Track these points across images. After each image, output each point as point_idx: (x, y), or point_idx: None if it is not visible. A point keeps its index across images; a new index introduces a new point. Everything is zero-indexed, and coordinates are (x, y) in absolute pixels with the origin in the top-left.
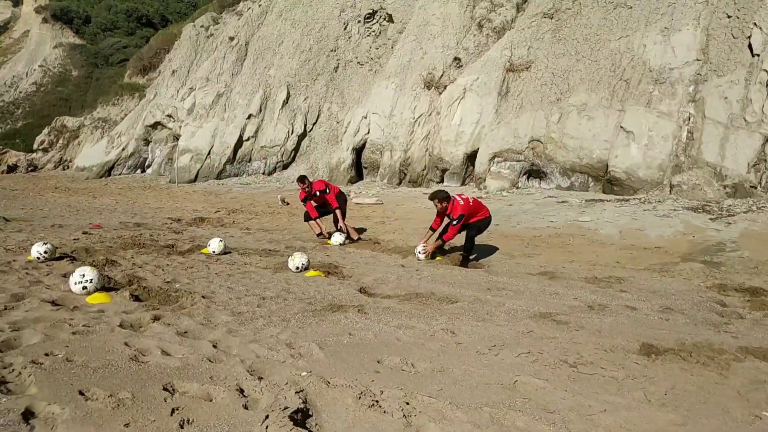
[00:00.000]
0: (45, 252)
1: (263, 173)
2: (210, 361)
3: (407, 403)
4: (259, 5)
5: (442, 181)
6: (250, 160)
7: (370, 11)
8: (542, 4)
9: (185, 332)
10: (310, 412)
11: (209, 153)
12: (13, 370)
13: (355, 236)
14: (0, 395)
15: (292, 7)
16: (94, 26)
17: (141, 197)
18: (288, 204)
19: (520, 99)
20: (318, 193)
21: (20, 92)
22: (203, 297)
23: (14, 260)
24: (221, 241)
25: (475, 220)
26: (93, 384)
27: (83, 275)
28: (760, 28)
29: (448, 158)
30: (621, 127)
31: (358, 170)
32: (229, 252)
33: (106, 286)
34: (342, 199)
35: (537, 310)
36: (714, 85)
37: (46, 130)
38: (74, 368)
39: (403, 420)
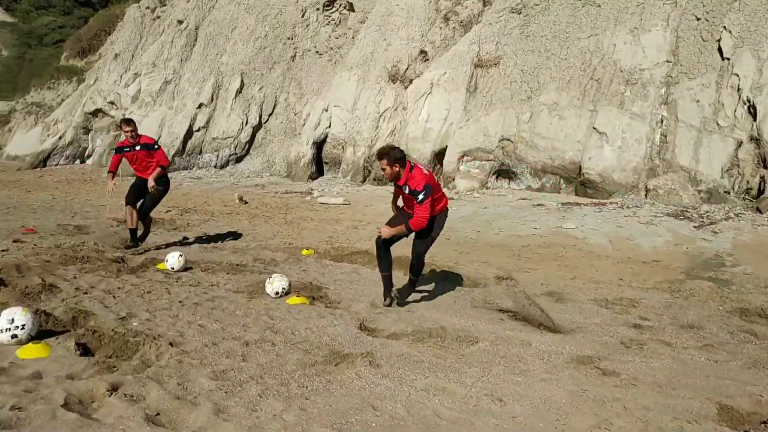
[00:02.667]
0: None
1: (215, 166)
2: None
3: None
4: None
5: None
6: (201, 152)
7: None
8: None
9: (157, 414)
10: None
11: None
12: None
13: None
14: None
15: None
16: (26, 3)
17: (81, 192)
18: (246, 203)
19: (490, 96)
20: (138, 148)
21: None
22: (171, 344)
23: None
24: (181, 256)
25: (439, 210)
26: None
27: (12, 320)
28: (730, 32)
29: (416, 156)
30: (594, 128)
31: (318, 165)
32: (190, 267)
33: (42, 327)
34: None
35: (572, 351)
36: (685, 87)
37: None
38: None
39: None
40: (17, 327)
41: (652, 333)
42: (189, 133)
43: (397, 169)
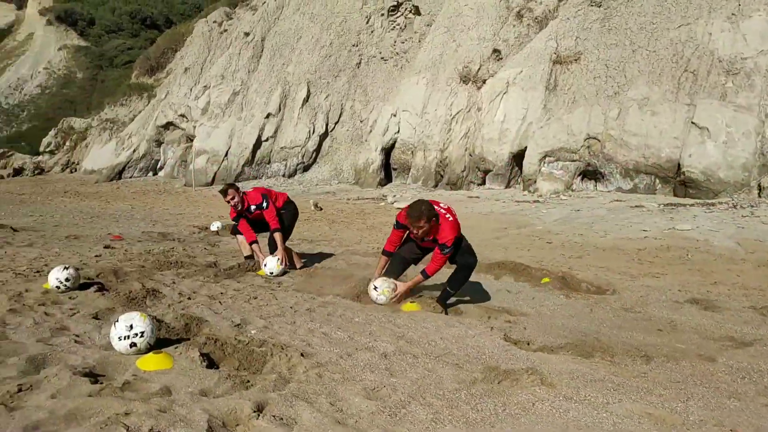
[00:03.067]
0: (67, 279)
1: (283, 175)
2: None
3: None
4: None
5: (483, 183)
6: (270, 161)
7: (395, 3)
8: None
9: None
10: None
11: (226, 154)
12: None
13: (298, 264)
14: None
15: (310, 0)
16: (98, 28)
17: (158, 202)
18: (321, 209)
19: (572, 93)
20: (253, 209)
21: (25, 95)
22: (302, 355)
23: (27, 290)
24: (279, 260)
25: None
26: None
27: (131, 326)
28: None
29: (492, 158)
30: (692, 122)
31: (386, 172)
32: (288, 271)
33: (157, 335)
34: (289, 215)
35: None
36: None
37: (52, 132)
38: None
39: None
40: (136, 335)
41: None
42: (258, 143)
43: (434, 222)
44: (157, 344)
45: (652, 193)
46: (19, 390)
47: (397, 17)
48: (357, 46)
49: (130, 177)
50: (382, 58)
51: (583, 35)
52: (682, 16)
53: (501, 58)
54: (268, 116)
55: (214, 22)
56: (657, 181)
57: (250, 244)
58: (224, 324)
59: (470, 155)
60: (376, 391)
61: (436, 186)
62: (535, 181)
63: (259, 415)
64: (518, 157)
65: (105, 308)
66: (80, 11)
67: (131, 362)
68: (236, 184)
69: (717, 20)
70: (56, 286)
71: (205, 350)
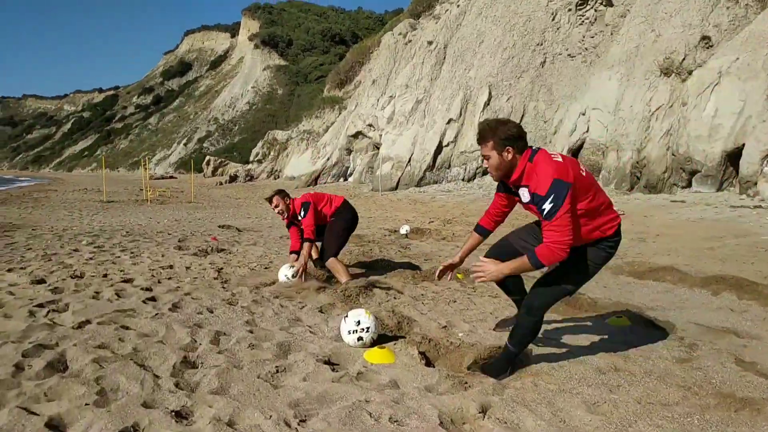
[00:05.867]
0: (293, 276)
1: (463, 179)
2: None
3: None
4: (458, 6)
5: (689, 185)
6: (450, 166)
7: None
8: None
9: None
10: None
11: (409, 160)
12: None
13: (342, 278)
14: None
15: (492, 3)
16: (295, 48)
17: None
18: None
19: None
20: (300, 217)
21: (237, 111)
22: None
23: (262, 283)
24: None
25: (591, 235)
26: None
27: (358, 322)
28: None
29: (700, 157)
30: None
31: None
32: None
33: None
34: (341, 222)
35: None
36: None
37: (260, 143)
38: None
39: None
40: (363, 329)
41: None
42: (439, 149)
43: (509, 155)
44: (378, 339)
45: None
46: (276, 371)
47: (586, 11)
48: (541, 44)
49: (324, 182)
50: (568, 55)
51: None
52: None
53: (711, 46)
54: (449, 122)
55: (400, 34)
56: None
57: (293, 252)
58: (432, 325)
59: (673, 155)
60: (598, 406)
61: (631, 189)
62: (756, 183)
63: (484, 416)
64: (733, 157)
65: (327, 303)
66: (280, 34)
67: (359, 354)
68: (285, 190)
69: None
70: (284, 281)
71: (421, 349)
